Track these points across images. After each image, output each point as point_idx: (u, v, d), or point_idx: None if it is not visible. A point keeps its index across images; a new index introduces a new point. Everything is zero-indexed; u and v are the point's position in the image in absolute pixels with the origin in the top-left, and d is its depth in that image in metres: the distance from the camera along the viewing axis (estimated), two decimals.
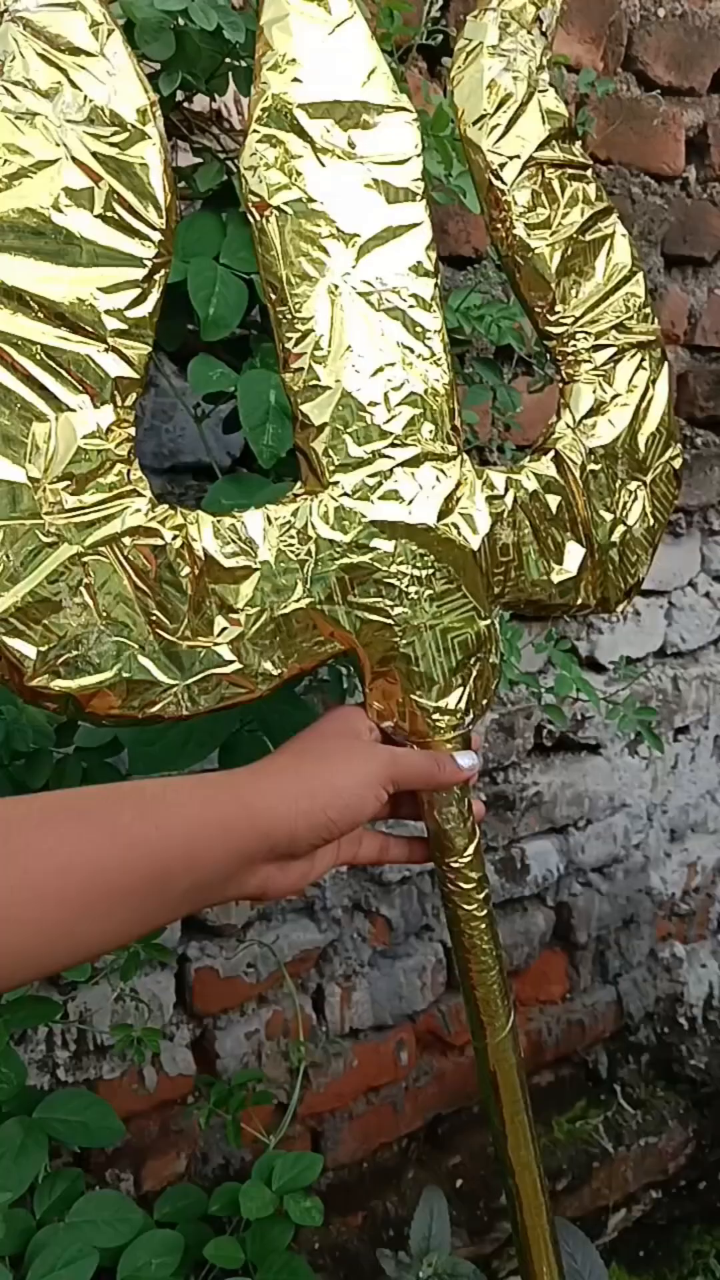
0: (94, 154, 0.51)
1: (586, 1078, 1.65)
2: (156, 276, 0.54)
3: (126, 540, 0.52)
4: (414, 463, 0.58)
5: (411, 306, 0.58)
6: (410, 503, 0.58)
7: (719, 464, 1.51)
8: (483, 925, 0.64)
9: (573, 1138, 1.59)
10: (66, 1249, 0.85)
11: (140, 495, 0.53)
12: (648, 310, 0.67)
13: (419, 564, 0.58)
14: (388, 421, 0.58)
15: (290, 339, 0.57)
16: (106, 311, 0.52)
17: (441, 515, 0.59)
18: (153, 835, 0.44)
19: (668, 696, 1.54)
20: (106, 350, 0.52)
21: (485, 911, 0.64)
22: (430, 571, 0.59)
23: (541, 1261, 0.70)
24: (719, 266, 1.47)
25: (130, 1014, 1.12)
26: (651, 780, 1.58)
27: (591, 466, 0.65)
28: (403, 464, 0.58)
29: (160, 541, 0.53)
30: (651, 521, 0.68)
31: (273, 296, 0.57)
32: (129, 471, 0.53)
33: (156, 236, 0.53)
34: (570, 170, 0.65)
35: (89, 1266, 0.85)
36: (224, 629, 0.54)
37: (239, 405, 0.71)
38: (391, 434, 0.58)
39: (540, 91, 0.64)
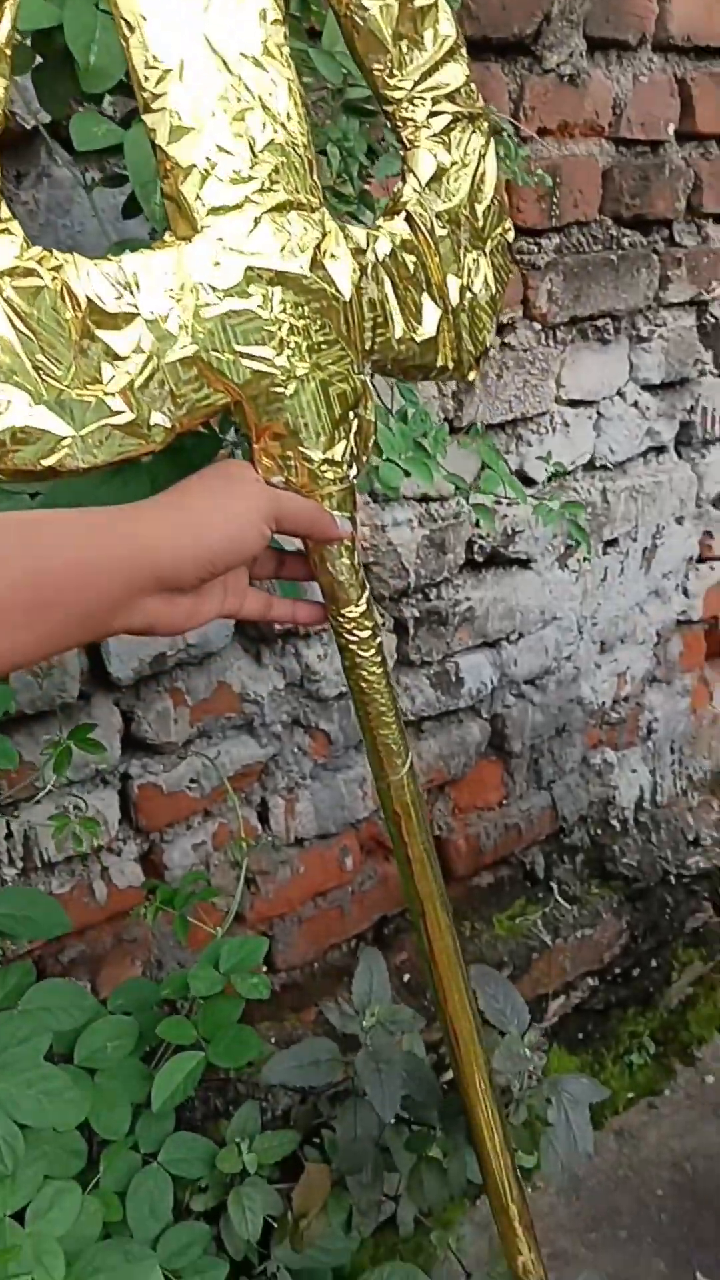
0: None
1: (525, 878, 1.74)
2: (6, 3, 0.51)
3: (4, 282, 0.52)
4: (281, 210, 0.59)
5: (264, 54, 0.58)
6: (283, 250, 0.59)
7: (645, 266, 1.48)
8: (378, 671, 0.69)
9: (513, 933, 1.69)
10: (20, 1030, 0.90)
11: (12, 235, 0.53)
12: (472, 86, 0.69)
13: (296, 313, 0.59)
14: (253, 167, 0.58)
15: (149, 79, 0.55)
16: None
17: (313, 265, 0.60)
18: (36, 563, 0.45)
19: (597, 509, 1.56)
20: None
21: (380, 658, 0.69)
22: (307, 321, 0.60)
23: (452, 983, 0.76)
24: (644, 51, 1.40)
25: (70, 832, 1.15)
26: (581, 593, 1.61)
27: (439, 230, 0.67)
28: (271, 210, 0.58)
29: (39, 283, 0.53)
30: (493, 290, 0.72)
31: (127, 35, 0.55)
32: None
33: None
34: None
35: (43, 1044, 0.90)
36: (112, 377, 0.55)
37: (127, 162, 0.68)
38: (258, 179, 0.58)
39: None
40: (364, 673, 0.68)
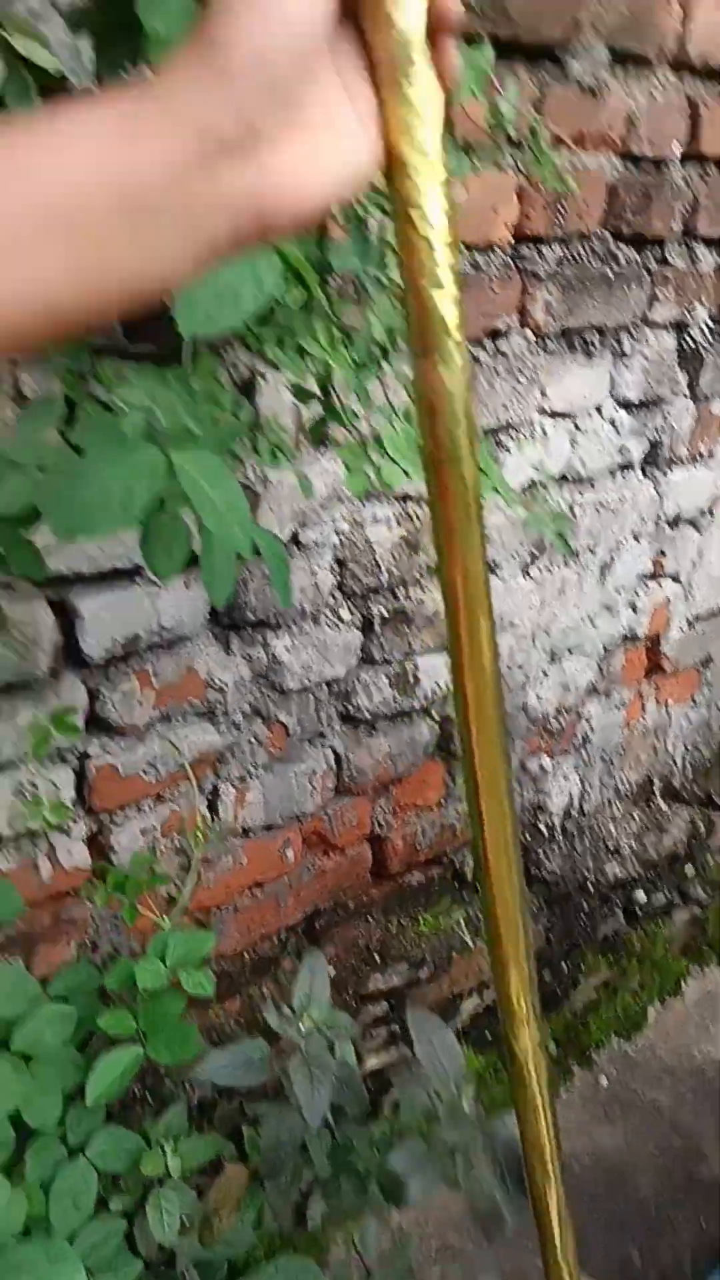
0: None
1: (453, 877, 1.75)
2: None
3: None
4: None
5: None
6: None
7: (638, 283, 1.48)
8: None
9: (436, 930, 1.70)
10: None
11: None
12: None
13: None
14: None
15: None
16: None
17: None
18: (44, 164, 0.34)
19: (564, 521, 1.56)
20: None
21: None
22: None
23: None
24: (662, 68, 1.40)
25: (29, 809, 1.10)
26: (540, 603, 1.62)
27: None
28: None
29: None
30: None
31: None
32: None
33: None
34: None
35: None
36: None
37: None
38: None
39: None
40: None
